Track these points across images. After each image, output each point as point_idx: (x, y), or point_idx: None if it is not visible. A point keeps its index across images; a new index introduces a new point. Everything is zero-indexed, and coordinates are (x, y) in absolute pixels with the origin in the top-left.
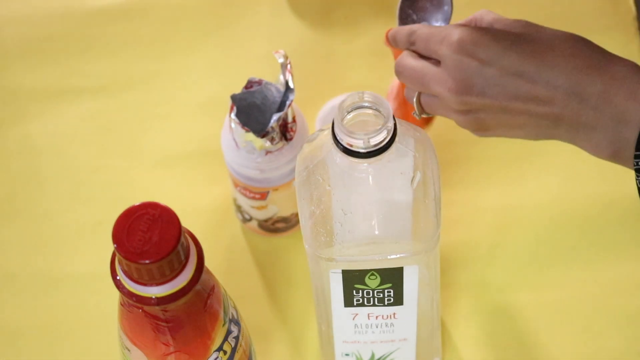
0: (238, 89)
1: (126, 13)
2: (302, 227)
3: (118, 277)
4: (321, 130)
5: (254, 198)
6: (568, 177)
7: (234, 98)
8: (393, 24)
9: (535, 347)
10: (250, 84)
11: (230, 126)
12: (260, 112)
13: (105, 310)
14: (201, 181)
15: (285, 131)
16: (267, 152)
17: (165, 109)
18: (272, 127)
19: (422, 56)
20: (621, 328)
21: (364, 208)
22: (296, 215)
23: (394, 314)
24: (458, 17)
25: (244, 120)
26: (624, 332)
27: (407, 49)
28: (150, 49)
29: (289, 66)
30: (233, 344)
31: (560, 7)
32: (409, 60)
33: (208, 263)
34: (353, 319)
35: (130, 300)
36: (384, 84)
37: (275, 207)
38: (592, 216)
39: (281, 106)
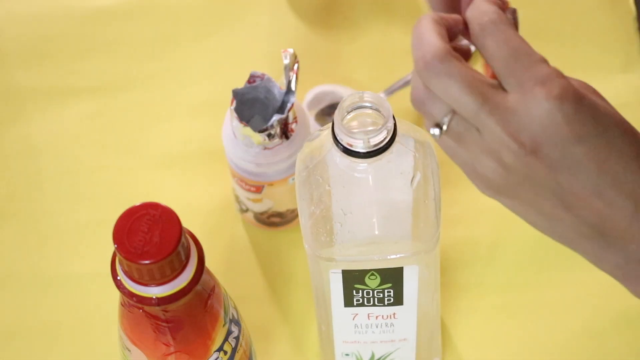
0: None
1: (126, 13)
2: (302, 227)
3: (118, 278)
4: (321, 130)
5: (249, 190)
6: None
7: (235, 93)
8: (393, 25)
9: (535, 347)
10: (253, 79)
11: (231, 118)
12: (263, 106)
13: (105, 310)
14: (202, 181)
15: (286, 130)
16: (265, 147)
17: (165, 108)
18: (272, 125)
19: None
20: (621, 328)
21: (364, 208)
22: (292, 211)
23: (394, 314)
24: None
25: (246, 114)
26: (624, 333)
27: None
28: (150, 49)
29: (296, 67)
30: (233, 344)
31: (560, 7)
32: (464, 70)
33: (208, 263)
34: (353, 319)
35: (131, 301)
36: (384, 84)
37: (271, 202)
38: None
39: (282, 108)
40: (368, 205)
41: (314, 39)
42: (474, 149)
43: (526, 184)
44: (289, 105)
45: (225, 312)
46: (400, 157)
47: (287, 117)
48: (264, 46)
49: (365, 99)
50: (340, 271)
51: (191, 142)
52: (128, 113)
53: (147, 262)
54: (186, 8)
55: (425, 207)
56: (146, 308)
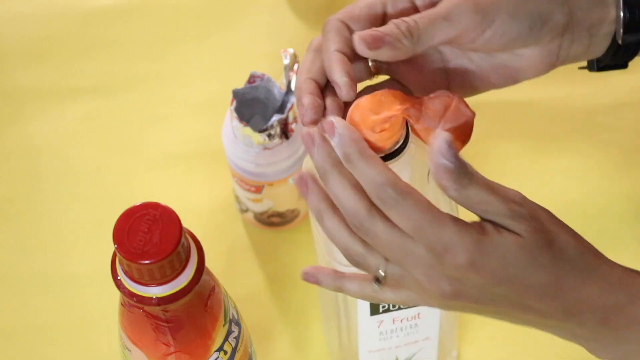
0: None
1: (126, 13)
2: (319, 241)
3: (119, 277)
4: None
5: (249, 190)
6: (569, 176)
7: (235, 93)
8: None
9: (543, 339)
10: (253, 79)
11: (231, 118)
12: (263, 106)
13: (105, 310)
14: (202, 181)
15: (286, 130)
16: (265, 147)
17: (165, 108)
18: (272, 125)
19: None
20: None
21: None
22: (292, 211)
23: (419, 314)
24: None
25: (246, 114)
26: None
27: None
28: (150, 49)
29: (296, 67)
30: (233, 344)
31: None
32: (384, 231)
33: (208, 263)
34: (378, 326)
35: (131, 301)
36: None
37: (270, 202)
38: (593, 215)
39: (282, 108)
40: None
41: (310, 32)
42: (416, 290)
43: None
44: (289, 105)
45: (225, 312)
46: (412, 158)
47: (287, 117)
48: (264, 46)
49: None
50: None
51: (191, 142)
52: (128, 113)
53: (147, 262)
54: (186, 8)
55: (441, 204)
56: (146, 308)
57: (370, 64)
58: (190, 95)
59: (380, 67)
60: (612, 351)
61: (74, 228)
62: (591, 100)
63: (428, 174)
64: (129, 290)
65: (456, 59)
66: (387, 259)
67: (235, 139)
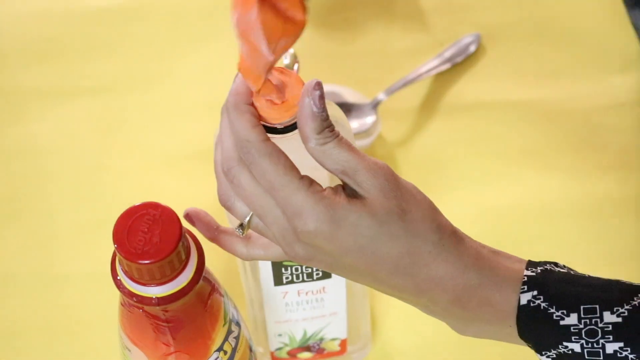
0: None
1: (127, 14)
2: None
3: (119, 277)
4: None
5: None
6: (568, 175)
7: None
8: (393, 26)
9: None
10: None
11: None
12: None
13: (105, 310)
14: (202, 181)
15: None
16: None
17: (166, 109)
18: None
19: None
20: None
21: None
22: None
23: (324, 288)
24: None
25: None
26: None
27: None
28: (151, 50)
29: (296, 67)
30: (233, 344)
31: (558, 9)
32: (248, 184)
33: (209, 263)
34: (283, 297)
35: (131, 301)
36: (384, 84)
37: None
38: (592, 215)
39: None
40: None
41: (314, 39)
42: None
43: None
44: None
45: (225, 312)
46: None
47: None
48: None
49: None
50: None
51: (191, 143)
52: (129, 113)
53: (147, 262)
54: (187, 10)
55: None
56: (146, 308)
57: None
58: (190, 96)
59: None
60: (467, 329)
61: (74, 227)
62: (590, 101)
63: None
64: (129, 290)
65: None
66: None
67: None
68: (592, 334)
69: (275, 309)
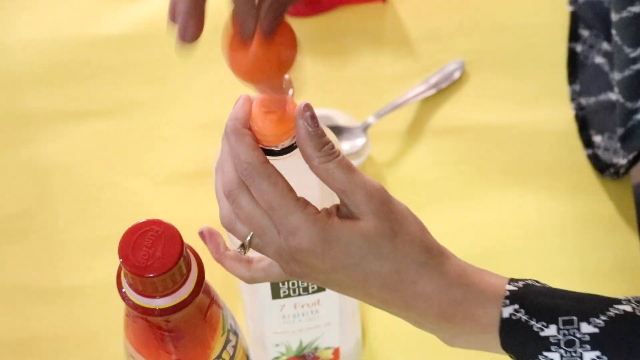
0: None
1: (131, 42)
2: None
3: (124, 290)
4: None
5: None
6: (546, 194)
7: None
8: (382, 53)
9: None
10: None
11: None
12: None
13: (111, 320)
14: (201, 199)
15: None
16: None
17: (166, 130)
18: None
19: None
20: None
21: None
22: None
23: (318, 300)
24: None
25: None
26: None
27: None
28: (151, 75)
29: (290, 92)
30: (231, 352)
31: (514, 42)
32: (247, 205)
33: (208, 276)
34: (281, 310)
35: (135, 312)
36: (374, 108)
37: None
38: (569, 232)
39: None
40: None
41: (308, 65)
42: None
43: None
44: None
45: (224, 323)
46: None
47: None
48: None
49: None
50: None
51: (192, 162)
52: (132, 134)
53: (150, 275)
54: None
55: (333, 200)
56: (149, 318)
57: None
58: (191, 117)
59: None
60: (454, 341)
61: (81, 243)
62: (567, 125)
63: None
64: (134, 302)
65: None
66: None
67: None
68: (570, 344)
69: (273, 321)
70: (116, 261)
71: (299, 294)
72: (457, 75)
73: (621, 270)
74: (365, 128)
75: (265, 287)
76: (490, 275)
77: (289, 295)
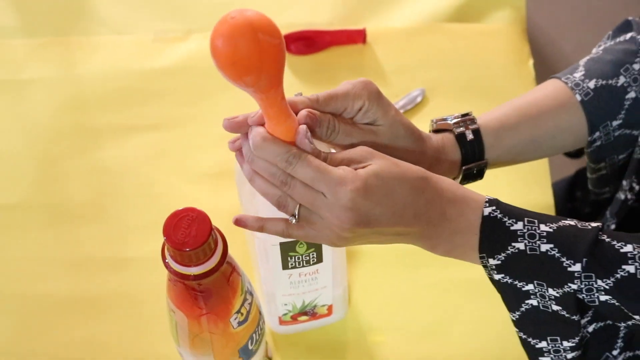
0: None
1: (173, 72)
2: (249, 205)
3: (167, 260)
4: None
5: None
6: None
7: None
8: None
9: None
10: None
11: None
12: None
13: (157, 284)
14: (226, 192)
15: None
16: None
17: (199, 140)
18: None
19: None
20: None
21: None
22: None
23: (317, 270)
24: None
25: None
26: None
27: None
28: (189, 98)
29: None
30: (248, 308)
31: (480, 72)
32: (297, 184)
33: (231, 250)
34: (289, 278)
35: (175, 277)
36: None
37: None
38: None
39: None
40: None
41: (305, 91)
42: (319, 227)
43: (357, 239)
44: None
45: (242, 286)
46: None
47: None
48: None
49: None
50: (279, 244)
51: (217, 165)
52: (174, 143)
53: (187, 249)
54: (214, 68)
55: None
56: (186, 282)
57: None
58: (216, 131)
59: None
60: (439, 245)
61: (136, 225)
62: None
63: None
64: (174, 270)
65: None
66: (300, 204)
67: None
68: (532, 236)
69: (283, 286)
70: (161, 239)
71: (303, 266)
72: (419, 99)
73: None
74: None
75: (277, 261)
76: (470, 190)
77: (295, 267)
